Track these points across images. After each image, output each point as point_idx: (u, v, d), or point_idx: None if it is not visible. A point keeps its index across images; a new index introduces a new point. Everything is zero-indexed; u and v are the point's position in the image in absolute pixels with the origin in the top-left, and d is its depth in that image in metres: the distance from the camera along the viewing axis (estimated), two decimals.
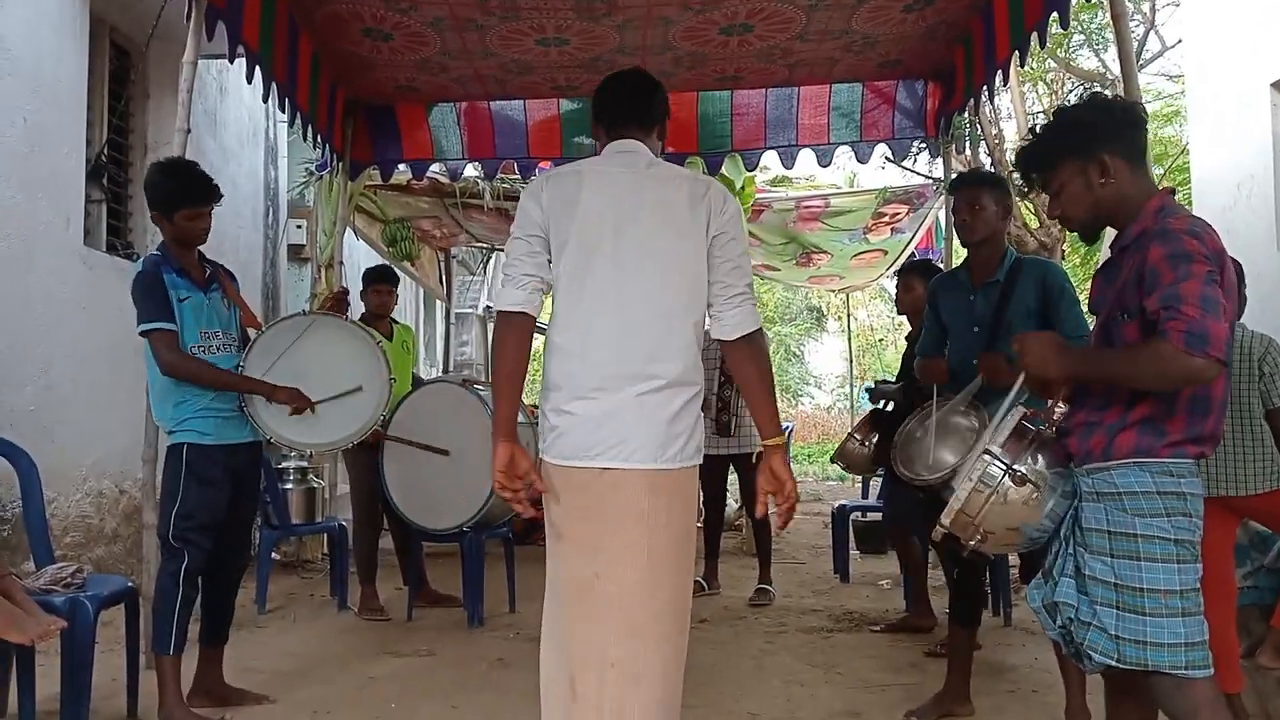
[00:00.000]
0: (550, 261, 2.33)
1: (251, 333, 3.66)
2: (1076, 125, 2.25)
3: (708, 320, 2.40)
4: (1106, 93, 2.69)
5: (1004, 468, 2.17)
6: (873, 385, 4.99)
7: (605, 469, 2.23)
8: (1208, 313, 1.98)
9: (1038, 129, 2.35)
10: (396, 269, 6.60)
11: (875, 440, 4.72)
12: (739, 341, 2.35)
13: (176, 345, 3.34)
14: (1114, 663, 2.09)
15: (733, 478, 5.92)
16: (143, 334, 3.34)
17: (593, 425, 2.24)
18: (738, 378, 2.46)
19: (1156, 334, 2.04)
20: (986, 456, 2.19)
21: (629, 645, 2.20)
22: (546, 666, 2.33)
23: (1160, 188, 2.28)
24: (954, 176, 3.66)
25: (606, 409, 2.24)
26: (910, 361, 4.66)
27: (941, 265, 5.74)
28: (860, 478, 6.88)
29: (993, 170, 3.98)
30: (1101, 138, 2.20)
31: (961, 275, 3.52)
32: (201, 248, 3.55)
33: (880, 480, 5.51)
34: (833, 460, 5.70)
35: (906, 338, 5.14)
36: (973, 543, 2.24)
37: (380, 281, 5.43)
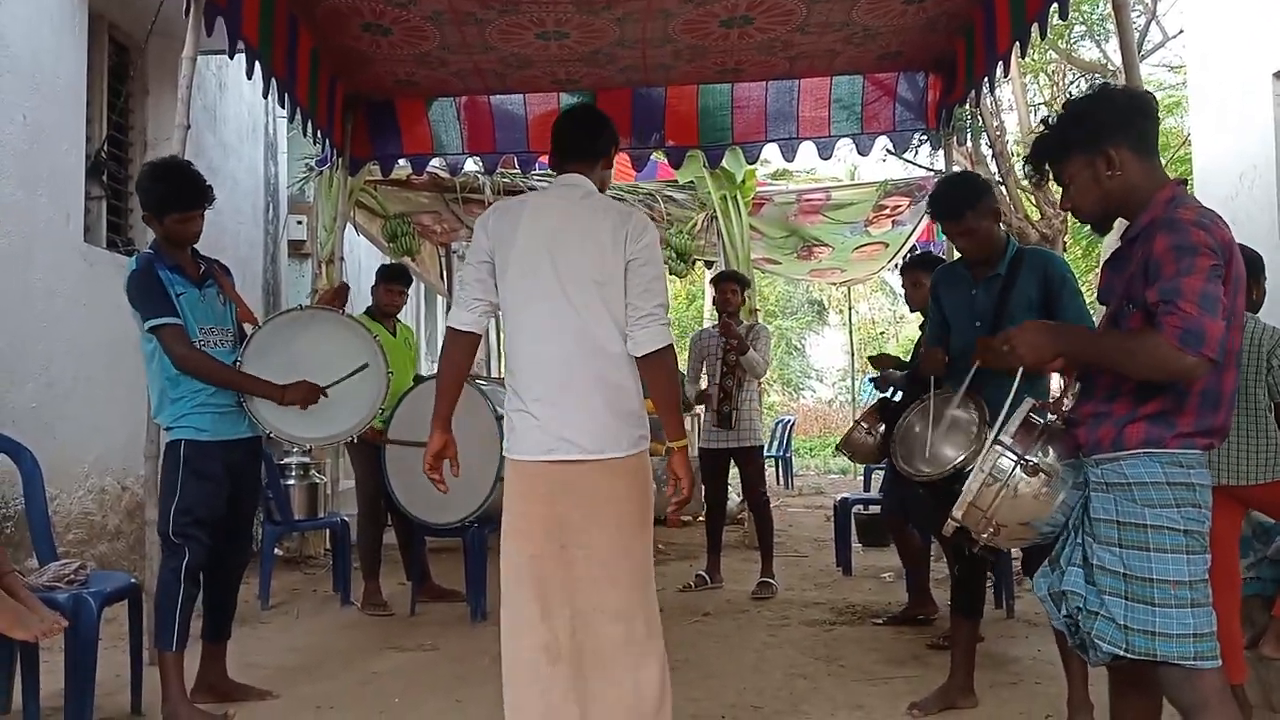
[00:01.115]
0: (496, 285, 2.69)
1: (247, 328, 3.65)
2: (1081, 118, 2.23)
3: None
4: (1116, 83, 2.62)
5: (1015, 459, 2.16)
6: (878, 374, 4.96)
7: (562, 461, 2.57)
8: (1205, 311, 1.97)
9: (1049, 121, 2.32)
10: None
11: (881, 430, 4.67)
12: (647, 358, 2.61)
13: (187, 339, 3.33)
14: (1122, 652, 2.08)
15: (733, 471, 5.92)
16: (151, 330, 3.31)
17: (545, 425, 2.58)
18: (648, 389, 2.68)
19: (1153, 326, 2.03)
20: (998, 448, 2.18)
21: (612, 593, 2.55)
22: (511, 650, 2.58)
23: (1172, 178, 2.26)
24: (929, 200, 3.51)
25: (556, 411, 2.58)
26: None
27: (943, 258, 5.73)
28: (863, 470, 6.88)
29: (968, 172, 3.90)
30: (1107, 130, 2.18)
31: (962, 269, 3.47)
32: (201, 244, 3.54)
33: (883, 473, 5.50)
34: (837, 449, 5.67)
35: (921, 326, 5.12)
36: (984, 535, 2.23)
37: (395, 281, 5.42)
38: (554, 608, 2.55)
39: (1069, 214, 2.42)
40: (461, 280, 2.75)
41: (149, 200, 3.41)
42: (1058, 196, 9.83)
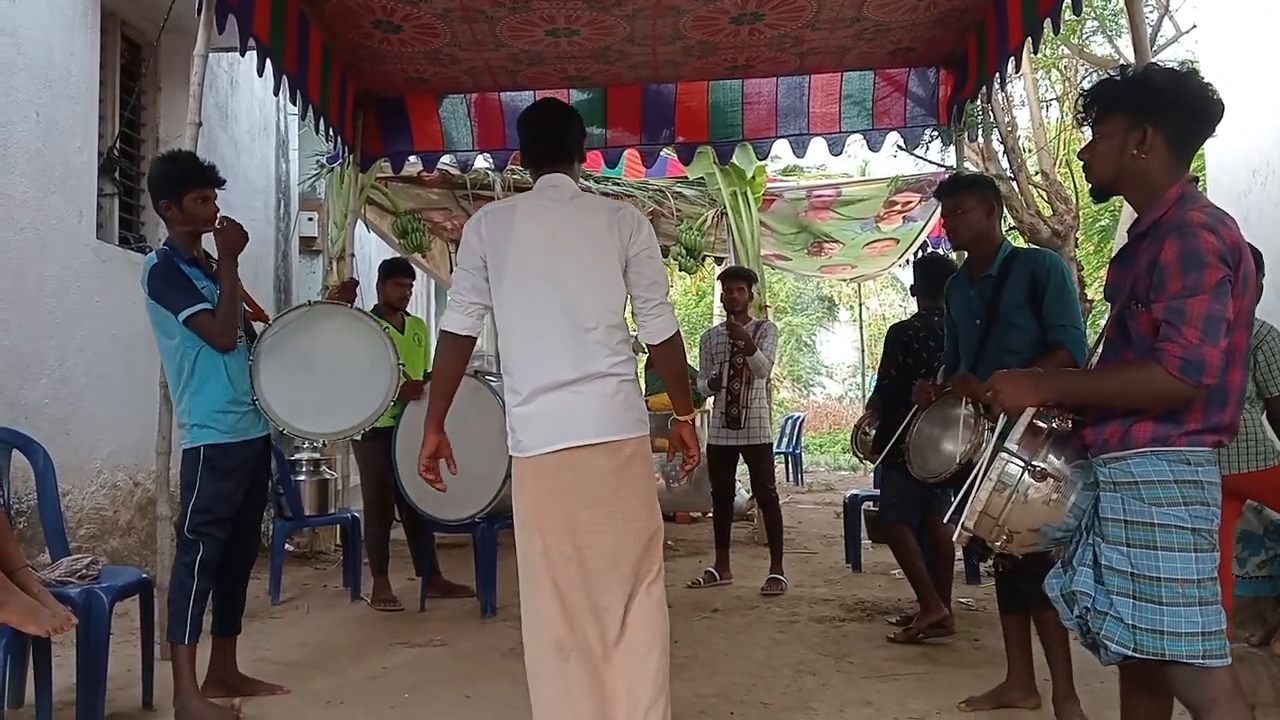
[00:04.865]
0: (490, 287, 2.74)
1: (258, 326, 3.67)
2: (1146, 86, 2.17)
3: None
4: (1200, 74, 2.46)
5: (1022, 465, 2.13)
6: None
7: (571, 448, 2.62)
8: (1207, 338, 1.97)
9: (1125, 68, 2.26)
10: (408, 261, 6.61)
11: (874, 432, 4.84)
12: (661, 345, 2.77)
13: (214, 319, 3.34)
14: (1131, 653, 2.06)
15: (742, 468, 5.92)
16: (187, 320, 3.30)
17: (551, 418, 2.65)
18: (660, 373, 2.89)
19: (1151, 353, 2.04)
20: (1004, 455, 2.15)
21: (617, 593, 2.62)
22: (532, 644, 2.65)
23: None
24: (940, 181, 3.74)
25: (560, 403, 2.65)
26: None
27: (951, 256, 5.73)
28: (874, 467, 6.88)
29: (984, 174, 3.99)
30: (1159, 110, 2.13)
31: (964, 272, 3.62)
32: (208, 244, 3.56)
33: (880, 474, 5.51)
34: (853, 451, 5.89)
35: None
36: (998, 544, 2.21)
37: (399, 274, 5.44)
38: (567, 605, 2.61)
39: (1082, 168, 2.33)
40: (455, 284, 2.81)
41: (164, 183, 3.41)
42: (1070, 193, 9.80)
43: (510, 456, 2.74)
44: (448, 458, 2.82)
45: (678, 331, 2.81)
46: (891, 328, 4.84)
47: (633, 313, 2.83)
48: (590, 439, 2.63)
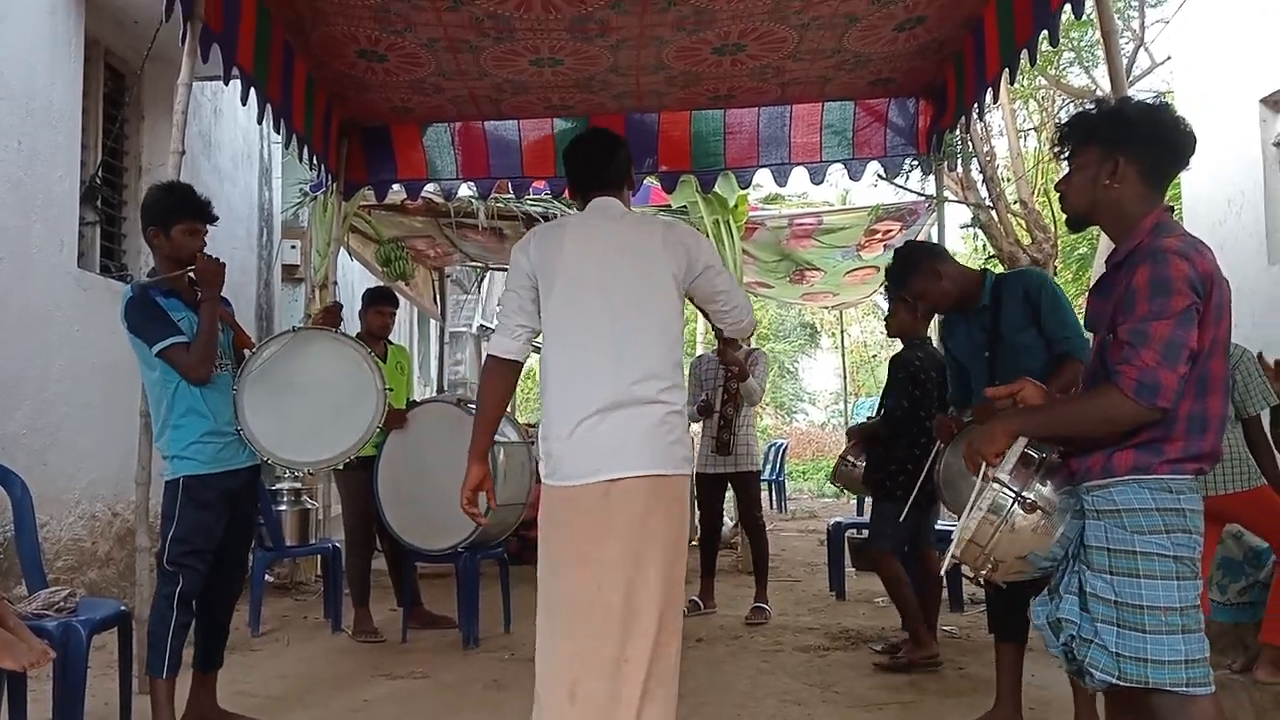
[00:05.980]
0: (539, 309, 2.64)
1: (246, 354, 3.65)
2: (1118, 117, 2.21)
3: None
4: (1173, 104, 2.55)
5: (1013, 495, 2.15)
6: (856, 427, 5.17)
7: (609, 480, 2.46)
8: (1164, 362, 2.00)
9: (1101, 102, 2.31)
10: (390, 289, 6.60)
11: (863, 463, 4.84)
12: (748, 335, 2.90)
13: (188, 352, 3.32)
14: (1115, 680, 2.07)
15: (729, 495, 5.91)
16: (160, 354, 3.28)
17: (592, 446, 2.49)
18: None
19: (1110, 376, 2.06)
20: (995, 485, 2.17)
21: (639, 643, 2.43)
22: (543, 679, 2.51)
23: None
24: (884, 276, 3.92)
25: (603, 430, 2.49)
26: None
27: None
28: (855, 496, 6.91)
29: (903, 247, 4.02)
30: (1131, 141, 2.17)
31: (957, 314, 3.65)
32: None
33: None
34: (831, 481, 5.83)
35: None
36: (983, 572, 2.22)
37: (382, 302, 5.42)
38: (581, 650, 2.45)
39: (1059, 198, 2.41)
40: (503, 307, 2.71)
41: (156, 212, 3.40)
42: (1049, 221, 9.90)
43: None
44: (489, 491, 2.72)
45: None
46: (894, 361, 4.74)
47: (712, 314, 2.85)
48: (629, 472, 2.46)
